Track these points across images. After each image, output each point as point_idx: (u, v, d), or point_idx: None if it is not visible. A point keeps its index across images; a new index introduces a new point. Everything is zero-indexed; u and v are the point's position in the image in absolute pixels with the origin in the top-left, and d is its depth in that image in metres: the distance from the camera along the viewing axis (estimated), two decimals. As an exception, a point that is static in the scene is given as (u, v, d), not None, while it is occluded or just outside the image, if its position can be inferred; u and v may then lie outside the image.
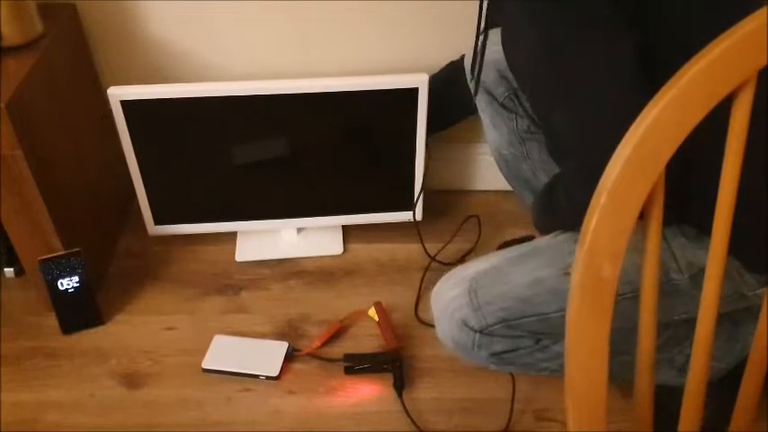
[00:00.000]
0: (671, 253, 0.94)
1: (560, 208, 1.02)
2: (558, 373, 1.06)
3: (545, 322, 0.99)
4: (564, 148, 0.95)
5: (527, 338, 1.01)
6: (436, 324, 1.06)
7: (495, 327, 0.99)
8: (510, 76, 1.26)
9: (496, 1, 1.01)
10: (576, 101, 0.90)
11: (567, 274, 0.96)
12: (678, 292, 0.96)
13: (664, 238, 0.93)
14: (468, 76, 1.30)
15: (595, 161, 0.90)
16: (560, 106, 0.93)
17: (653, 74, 0.85)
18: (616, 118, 0.87)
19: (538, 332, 1.01)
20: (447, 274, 1.07)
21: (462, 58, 1.40)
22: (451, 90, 1.41)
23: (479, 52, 1.15)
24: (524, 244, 1.07)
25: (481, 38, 1.12)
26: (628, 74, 0.85)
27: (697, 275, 0.95)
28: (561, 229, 1.04)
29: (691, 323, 1.10)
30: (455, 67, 1.43)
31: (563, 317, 0.97)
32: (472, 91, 1.26)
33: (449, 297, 1.03)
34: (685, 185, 0.80)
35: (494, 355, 1.02)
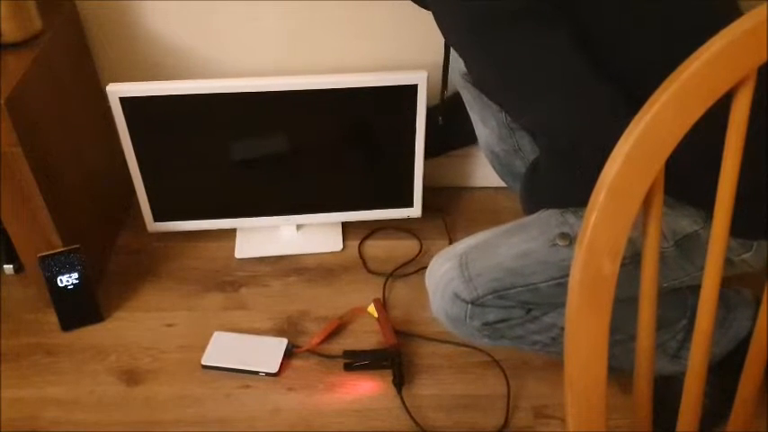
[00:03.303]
0: None
1: (541, 191, 1.06)
2: (549, 347, 1.08)
3: (534, 292, 1.01)
4: (535, 135, 0.97)
5: (518, 309, 1.04)
6: (430, 299, 1.08)
7: (487, 297, 1.02)
8: None
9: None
10: (527, 91, 0.93)
11: (555, 245, 0.99)
12: (664, 261, 0.98)
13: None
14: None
15: (560, 144, 0.92)
16: (522, 105, 0.96)
17: (591, 57, 0.87)
18: (565, 97, 0.89)
19: (528, 302, 1.03)
20: (439, 253, 1.09)
21: (443, 93, 1.41)
22: (450, 120, 1.43)
23: (445, 49, 1.17)
24: (511, 221, 1.09)
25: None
26: (567, 53, 0.88)
27: (681, 242, 0.97)
28: (544, 208, 1.06)
29: (679, 305, 1.11)
30: (456, 100, 1.45)
31: (551, 287, 0.99)
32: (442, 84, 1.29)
33: (441, 272, 1.05)
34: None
35: (486, 325, 1.04)
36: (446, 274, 1.04)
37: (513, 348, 1.12)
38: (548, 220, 1.03)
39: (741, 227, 0.94)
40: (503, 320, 1.04)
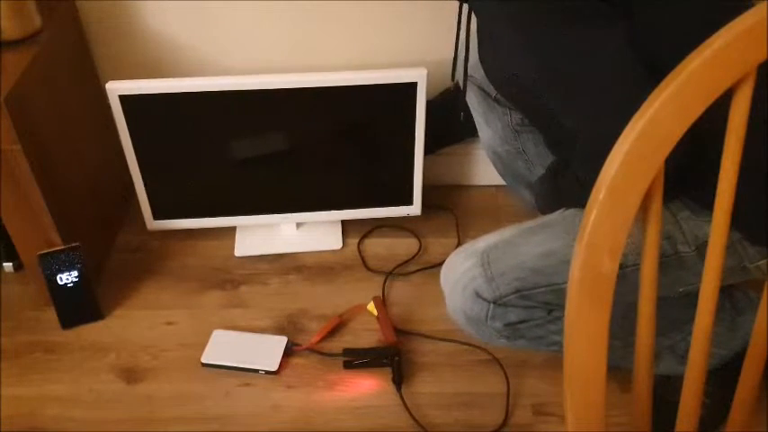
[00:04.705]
0: (678, 225, 0.95)
1: (570, 192, 1.04)
2: None
3: (558, 293, 0.99)
4: (571, 139, 0.95)
5: (540, 309, 1.02)
6: (446, 298, 1.06)
7: (510, 297, 1.00)
8: None
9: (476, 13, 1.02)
10: (577, 93, 0.91)
11: None
12: (684, 265, 0.97)
13: (670, 211, 0.94)
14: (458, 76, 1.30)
15: (609, 146, 0.91)
16: (563, 105, 0.94)
17: (645, 57, 0.86)
18: (621, 100, 0.87)
19: (550, 303, 1.01)
20: (457, 250, 1.07)
21: (456, 85, 1.40)
22: (445, 116, 1.42)
23: (460, 50, 1.16)
24: (530, 219, 1.07)
25: (463, 35, 1.12)
26: (624, 55, 0.86)
27: (702, 248, 0.96)
28: (568, 208, 1.05)
29: (692, 306, 1.11)
30: (449, 95, 1.44)
31: None
32: (461, 86, 1.27)
33: (461, 270, 1.02)
34: (684, 162, 0.81)
35: (507, 326, 1.02)
36: (467, 273, 1.01)
37: (526, 349, 1.10)
38: (572, 219, 1.02)
39: (759, 234, 0.94)
40: (524, 321, 1.02)
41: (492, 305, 1.01)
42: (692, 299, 1.08)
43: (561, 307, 1.01)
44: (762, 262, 0.98)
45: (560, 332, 1.04)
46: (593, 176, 0.99)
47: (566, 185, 1.06)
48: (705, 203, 0.94)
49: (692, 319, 1.11)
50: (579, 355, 0.58)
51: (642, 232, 0.59)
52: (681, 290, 1.01)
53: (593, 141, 0.92)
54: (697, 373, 0.66)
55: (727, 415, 0.74)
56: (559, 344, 1.06)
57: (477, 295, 1.01)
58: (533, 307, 1.02)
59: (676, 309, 1.02)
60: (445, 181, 1.69)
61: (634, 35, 0.86)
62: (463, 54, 1.14)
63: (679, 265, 0.97)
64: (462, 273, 1.02)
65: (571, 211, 1.03)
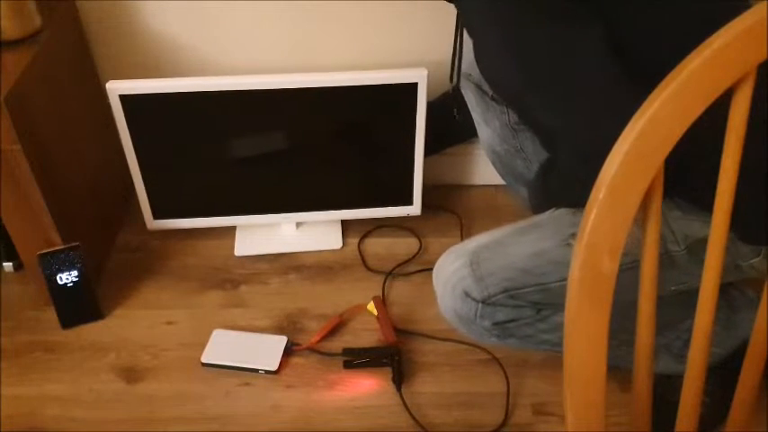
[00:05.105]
0: (668, 225, 0.96)
1: (558, 191, 1.04)
2: (558, 347, 1.07)
3: (546, 292, 1.00)
4: (554, 138, 0.96)
5: (528, 308, 1.03)
6: (438, 298, 1.07)
7: (498, 297, 1.00)
8: None
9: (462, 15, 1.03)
10: (555, 93, 0.92)
11: (569, 245, 0.98)
12: (675, 264, 0.97)
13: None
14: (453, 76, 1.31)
15: (588, 145, 0.92)
16: (544, 105, 0.95)
17: (624, 59, 0.86)
18: (598, 100, 0.88)
19: (539, 302, 1.02)
20: (448, 250, 1.07)
21: (456, 87, 1.41)
22: (445, 117, 1.43)
23: (457, 50, 1.17)
24: (523, 220, 1.07)
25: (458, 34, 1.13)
26: (601, 55, 0.87)
27: (693, 247, 0.97)
28: (558, 207, 1.05)
29: (687, 304, 1.11)
30: (448, 97, 1.44)
31: (563, 287, 0.98)
32: (453, 83, 1.27)
33: (451, 270, 1.03)
34: (682, 161, 0.81)
35: (496, 325, 1.03)
36: (456, 273, 1.02)
37: (518, 347, 1.11)
38: (560, 219, 1.02)
39: (752, 233, 0.94)
40: (513, 320, 1.03)
41: (480, 304, 1.01)
42: (684, 297, 1.09)
43: (550, 306, 1.03)
44: (755, 260, 0.98)
45: (550, 331, 1.05)
46: (582, 175, 0.99)
47: (554, 184, 1.06)
48: (704, 204, 0.94)
49: (686, 317, 1.11)
50: (579, 355, 0.58)
51: (642, 232, 0.59)
52: (673, 288, 1.02)
53: (569, 133, 0.93)
54: (697, 372, 0.66)
55: (727, 414, 0.74)
56: (549, 342, 1.07)
57: (467, 295, 1.02)
58: (522, 306, 1.02)
59: (669, 308, 1.02)
60: (445, 181, 1.69)
61: (629, 35, 0.86)
62: (464, 55, 1.15)
63: (670, 264, 0.97)
64: (452, 273, 1.03)
65: (560, 211, 1.04)
